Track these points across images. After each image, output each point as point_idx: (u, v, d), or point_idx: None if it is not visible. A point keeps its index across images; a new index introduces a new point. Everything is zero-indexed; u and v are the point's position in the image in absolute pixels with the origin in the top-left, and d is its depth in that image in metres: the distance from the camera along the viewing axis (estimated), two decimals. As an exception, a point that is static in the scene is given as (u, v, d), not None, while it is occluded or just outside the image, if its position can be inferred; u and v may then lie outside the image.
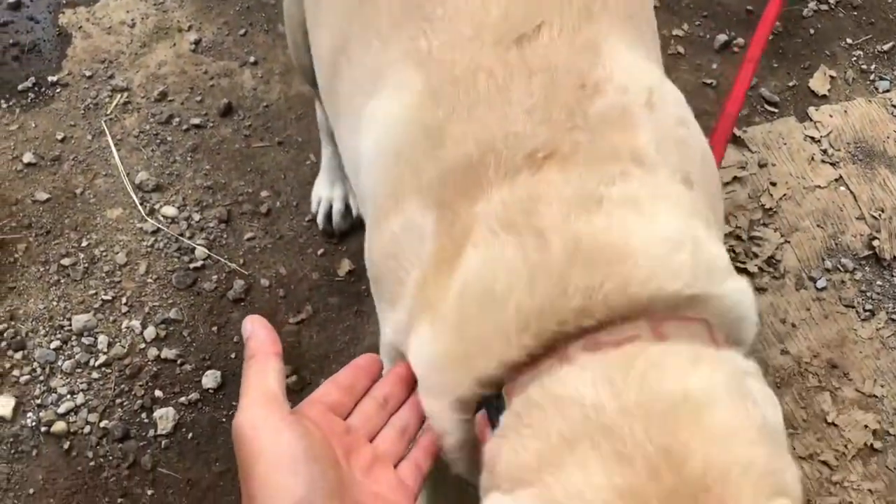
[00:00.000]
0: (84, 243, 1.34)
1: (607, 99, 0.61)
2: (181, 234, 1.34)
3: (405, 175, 0.64)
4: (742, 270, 1.35)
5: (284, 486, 0.50)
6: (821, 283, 1.35)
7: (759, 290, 1.34)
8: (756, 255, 1.38)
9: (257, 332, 0.58)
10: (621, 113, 0.61)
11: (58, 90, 1.49)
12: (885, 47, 1.62)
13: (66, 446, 1.18)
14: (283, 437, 0.51)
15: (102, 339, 1.25)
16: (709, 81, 1.56)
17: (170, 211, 1.37)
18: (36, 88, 1.48)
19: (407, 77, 0.66)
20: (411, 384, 0.64)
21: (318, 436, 0.54)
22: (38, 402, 1.21)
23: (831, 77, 1.57)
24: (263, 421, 0.52)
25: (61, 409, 1.20)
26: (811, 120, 1.52)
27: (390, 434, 0.62)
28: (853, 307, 1.33)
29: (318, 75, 0.89)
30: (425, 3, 0.67)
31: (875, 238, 1.39)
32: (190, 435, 1.20)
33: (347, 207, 1.33)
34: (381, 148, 0.68)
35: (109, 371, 1.24)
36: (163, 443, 1.19)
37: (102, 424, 1.20)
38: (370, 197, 0.70)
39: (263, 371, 0.55)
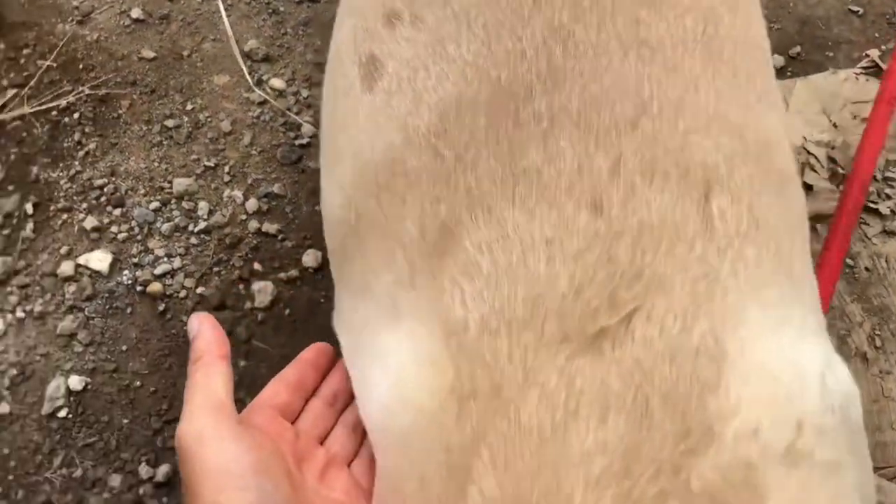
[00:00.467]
0: (189, 107, 1.29)
1: (722, 456, 0.38)
2: (288, 109, 1.29)
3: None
4: (873, 212, 1.27)
5: (233, 500, 0.45)
6: (956, 232, 1.26)
7: (889, 233, 1.26)
8: (889, 197, 1.29)
9: (204, 331, 0.52)
10: (743, 478, 0.38)
11: (168, -52, 1.42)
12: None
13: (160, 308, 1.15)
14: (230, 451, 0.46)
15: (203, 206, 1.21)
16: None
17: (278, 84, 1.31)
18: (146, -56, 1.42)
19: (432, 350, 0.44)
20: None
21: (269, 447, 0.50)
22: (135, 261, 1.18)
23: None
24: (210, 432, 0.47)
25: (158, 271, 1.17)
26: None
27: (341, 434, 0.57)
28: None
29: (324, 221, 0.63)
30: (467, 241, 0.45)
31: None
32: (287, 311, 1.16)
33: None
34: (388, 426, 0.48)
35: (208, 238, 1.20)
36: (259, 316, 1.16)
37: (199, 291, 1.16)
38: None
39: (210, 376, 0.50)
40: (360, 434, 0.58)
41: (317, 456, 0.55)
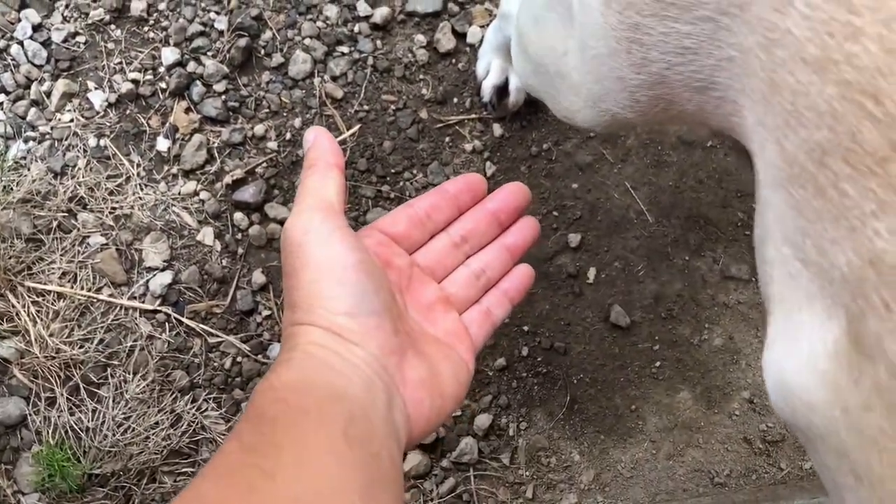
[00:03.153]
0: None
1: None
2: None
3: None
4: None
5: (329, 296, 0.45)
6: None
7: None
8: None
9: (319, 141, 0.50)
10: None
11: None
12: None
13: None
14: (335, 246, 0.46)
15: None
16: None
17: None
18: None
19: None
20: (503, 225, 0.56)
21: (374, 258, 0.48)
22: None
23: None
24: (317, 226, 0.46)
25: None
26: None
27: (462, 276, 0.54)
28: None
29: None
30: None
31: None
32: None
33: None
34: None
35: None
36: None
37: None
38: None
39: (323, 180, 0.48)
40: (485, 284, 0.55)
41: (427, 290, 0.53)
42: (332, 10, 1.12)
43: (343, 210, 0.49)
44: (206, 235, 1.09)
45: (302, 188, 0.49)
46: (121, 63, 1.12)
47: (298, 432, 0.39)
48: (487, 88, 1.08)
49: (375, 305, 0.46)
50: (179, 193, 1.09)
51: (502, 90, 1.07)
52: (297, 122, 1.11)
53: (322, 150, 0.50)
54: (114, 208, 1.09)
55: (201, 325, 1.07)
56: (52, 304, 1.05)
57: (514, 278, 0.57)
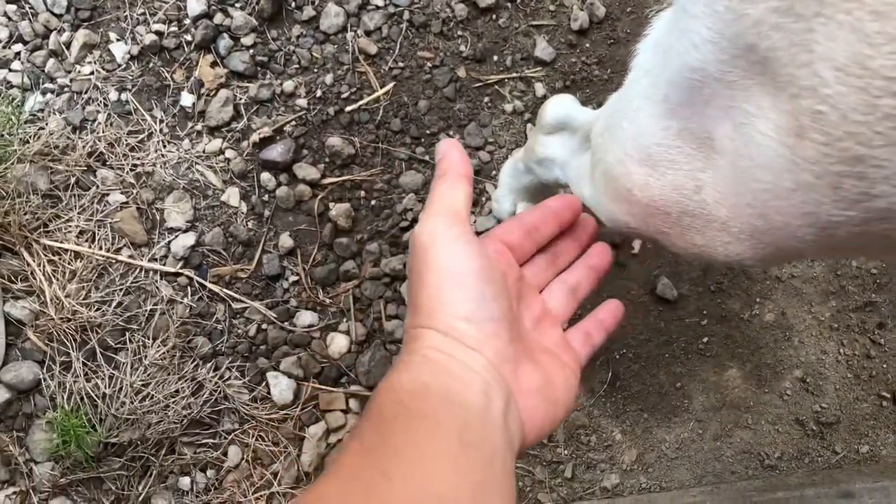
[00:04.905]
0: None
1: None
2: None
3: None
4: None
5: (451, 300, 0.46)
6: None
7: None
8: None
9: (451, 153, 0.53)
10: None
11: None
12: None
13: None
14: (460, 252, 0.47)
15: None
16: None
17: None
18: None
19: None
20: (584, 245, 0.60)
21: (496, 265, 0.50)
22: None
23: None
24: (444, 231, 0.48)
25: None
26: None
27: (560, 291, 0.57)
28: None
29: None
30: None
31: None
32: None
33: None
34: None
35: None
36: None
37: None
38: None
39: (452, 189, 0.51)
40: (579, 299, 0.58)
41: (535, 302, 0.55)
42: (367, -40, 1.07)
43: (469, 218, 0.50)
44: (232, 196, 1.03)
45: (432, 195, 0.51)
46: (144, 14, 1.06)
47: (415, 436, 0.41)
48: None
49: (494, 312, 0.48)
50: (204, 151, 1.04)
51: None
52: (329, 78, 1.06)
53: (453, 161, 0.52)
54: (135, 165, 1.03)
55: (225, 290, 1.01)
56: (69, 263, 0.99)
57: (610, 310, 0.60)
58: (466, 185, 0.51)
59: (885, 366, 1.05)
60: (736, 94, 0.44)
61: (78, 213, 1.01)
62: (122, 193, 1.02)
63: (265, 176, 1.03)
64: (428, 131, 1.05)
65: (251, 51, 1.06)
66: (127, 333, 0.99)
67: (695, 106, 0.48)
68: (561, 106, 0.79)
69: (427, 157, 1.05)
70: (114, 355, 0.99)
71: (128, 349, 0.99)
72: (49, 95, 1.04)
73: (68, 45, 1.05)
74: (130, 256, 1.01)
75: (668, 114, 0.50)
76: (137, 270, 1.01)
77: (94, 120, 1.04)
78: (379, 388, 0.44)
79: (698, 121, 0.48)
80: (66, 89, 1.04)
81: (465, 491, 0.39)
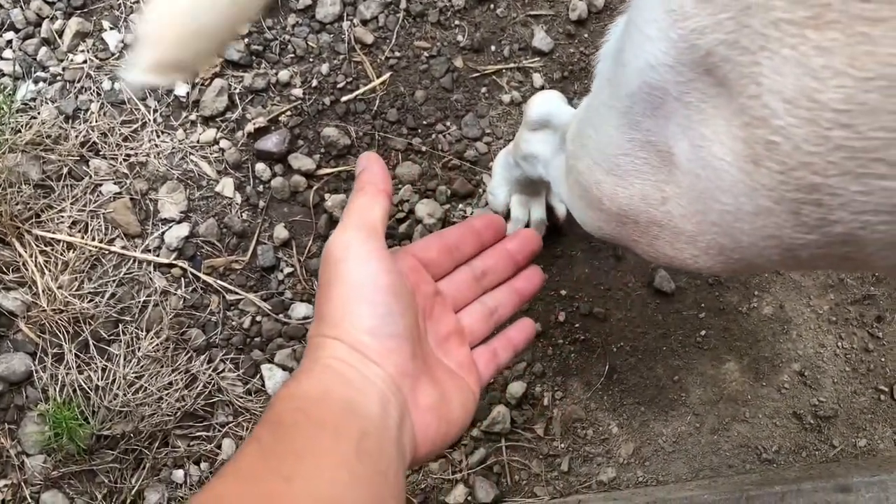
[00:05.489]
0: None
1: None
2: None
3: None
4: None
5: (357, 313, 0.47)
6: None
7: None
8: None
9: (372, 167, 0.53)
10: None
11: None
12: None
13: None
14: (371, 266, 0.48)
15: None
16: None
17: None
18: None
19: None
20: (518, 265, 0.61)
21: (406, 282, 0.51)
22: None
23: None
24: (357, 245, 0.49)
25: None
26: None
27: (477, 312, 0.58)
28: None
29: None
30: None
31: None
32: None
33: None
34: None
35: None
36: None
37: None
38: None
39: (371, 203, 0.51)
40: (496, 321, 0.58)
41: (445, 320, 0.55)
42: (364, -51, 1.06)
43: (384, 233, 0.51)
44: (226, 186, 1.02)
45: (349, 207, 0.51)
46: (138, 2, 1.05)
47: (315, 443, 0.41)
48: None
49: (399, 328, 0.48)
50: (198, 141, 1.03)
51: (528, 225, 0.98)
52: (325, 67, 1.04)
53: (373, 174, 0.53)
54: (128, 155, 1.02)
55: (219, 282, 1.00)
56: (62, 254, 0.98)
57: (520, 329, 0.61)
58: (385, 201, 0.52)
59: (883, 359, 1.05)
60: (692, 115, 0.44)
61: (70, 204, 1.00)
62: (115, 184, 1.01)
63: (260, 166, 1.02)
64: (425, 122, 1.04)
65: (246, 40, 1.05)
66: (120, 325, 0.98)
67: (657, 119, 0.47)
68: (545, 103, 0.79)
69: (424, 148, 1.04)
70: (107, 347, 0.98)
71: (121, 341, 0.98)
72: (41, 84, 1.03)
73: (61, 33, 1.04)
74: (123, 247, 1.00)
75: (632, 125, 0.50)
76: (131, 261, 1.00)
77: (87, 109, 1.02)
78: (278, 394, 0.44)
79: (660, 134, 0.48)
80: (58, 78, 1.03)
81: (363, 499, 0.40)
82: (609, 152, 0.53)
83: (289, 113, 1.04)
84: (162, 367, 0.97)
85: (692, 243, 0.51)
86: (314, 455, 0.40)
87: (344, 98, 1.04)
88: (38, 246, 0.98)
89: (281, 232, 1.01)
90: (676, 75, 0.43)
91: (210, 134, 1.03)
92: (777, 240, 0.43)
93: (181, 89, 1.03)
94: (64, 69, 1.03)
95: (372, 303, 0.47)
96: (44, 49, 1.04)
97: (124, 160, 1.02)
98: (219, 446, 0.98)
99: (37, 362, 0.97)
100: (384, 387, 0.46)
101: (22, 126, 1.00)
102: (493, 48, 1.06)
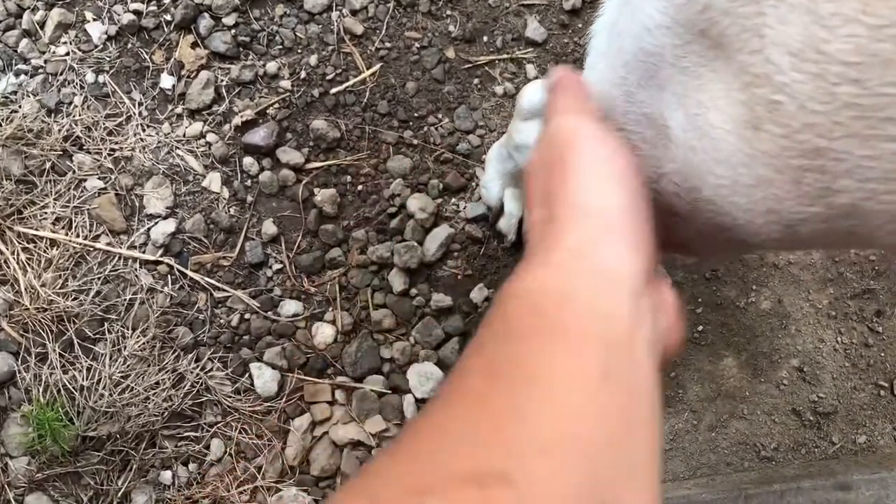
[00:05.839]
0: None
1: None
2: None
3: None
4: None
5: (607, 187, 0.40)
6: None
7: None
8: None
9: (567, 77, 0.48)
10: None
11: None
12: None
13: None
14: (609, 144, 0.42)
15: None
16: None
17: None
18: None
19: None
20: None
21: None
22: None
23: None
24: (587, 126, 0.43)
25: None
26: None
27: None
28: None
29: None
30: None
31: None
32: None
33: None
34: None
35: None
36: None
37: None
38: None
39: (583, 103, 0.46)
40: None
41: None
42: (352, -63, 1.03)
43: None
44: (213, 181, 1.00)
45: (560, 102, 0.46)
46: (121, -8, 1.03)
47: (554, 359, 0.33)
48: (510, 226, 0.96)
49: (645, 211, 0.41)
50: (184, 135, 1.00)
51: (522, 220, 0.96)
52: (313, 59, 1.02)
53: (573, 82, 0.48)
54: (113, 150, 1.00)
55: (206, 279, 0.98)
56: (45, 251, 0.96)
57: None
58: (594, 104, 0.47)
59: (882, 354, 1.03)
60: (689, 81, 0.41)
61: (54, 200, 0.98)
62: (99, 179, 0.99)
63: (248, 160, 1.00)
64: (416, 114, 1.02)
65: (233, 31, 1.02)
66: (105, 323, 0.96)
67: (651, 90, 0.45)
68: (538, 92, 0.77)
69: (415, 141, 1.02)
70: (92, 346, 0.96)
71: (106, 340, 0.96)
72: (23, 77, 1.00)
73: (42, 24, 1.02)
74: (109, 244, 0.98)
75: (627, 97, 0.47)
76: (116, 258, 0.98)
77: (70, 103, 1.00)
78: (508, 289, 0.36)
79: (655, 105, 0.45)
80: (40, 71, 1.01)
81: (608, 437, 0.32)
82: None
83: (277, 105, 1.01)
84: (148, 366, 0.95)
85: (685, 224, 0.47)
86: (552, 379, 0.32)
87: (333, 90, 1.02)
88: (20, 243, 0.96)
89: (269, 227, 0.99)
90: (673, 37, 0.41)
91: (196, 127, 1.00)
92: (776, 215, 0.40)
93: (167, 82, 1.01)
94: (46, 61, 1.01)
95: (620, 179, 0.40)
96: (25, 41, 1.01)
97: (109, 155, 0.99)
98: (207, 447, 0.96)
99: (20, 362, 0.95)
100: (637, 283, 0.37)
101: (3, 120, 0.98)
102: (485, 38, 1.04)
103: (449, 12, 1.04)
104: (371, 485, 0.28)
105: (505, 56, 1.04)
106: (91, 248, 0.97)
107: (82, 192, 0.98)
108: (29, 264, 0.95)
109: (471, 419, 0.31)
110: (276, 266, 0.99)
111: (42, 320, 0.94)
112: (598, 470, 0.30)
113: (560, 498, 0.28)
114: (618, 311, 0.36)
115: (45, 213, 0.97)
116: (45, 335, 0.95)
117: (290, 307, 0.98)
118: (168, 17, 1.02)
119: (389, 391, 0.97)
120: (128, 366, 0.95)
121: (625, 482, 0.31)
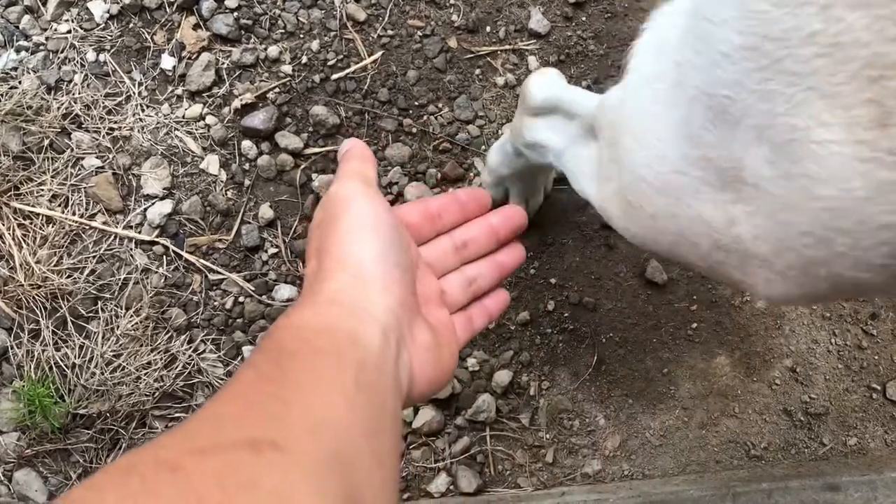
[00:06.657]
0: None
1: None
2: None
3: None
4: None
5: (363, 240, 0.48)
6: None
7: None
8: None
9: (355, 147, 0.55)
10: None
11: None
12: None
13: None
14: (377, 205, 0.50)
15: None
16: None
17: None
18: None
19: None
20: (501, 240, 0.60)
21: (404, 228, 0.53)
22: None
23: None
24: (361, 190, 0.50)
25: None
26: None
27: (456, 279, 0.58)
28: None
29: None
30: None
31: None
32: None
33: None
34: None
35: None
36: None
37: None
38: None
39: (362, 166, 0.53)
40: (474, 293, 0.59)
41: (426, 280, 0.55)
42: (358, -77, 1.03)
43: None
44: (211, 163, 1.00)
45: (343, 169, 0.53)
46: (125, -29, 1.02)
47: (315, 371, 0.40)
48: None
49: (403, 259, 0.49)
50: (183, 116, 1.00)
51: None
52: (315, 44, 1.02)
53: (359, 148, 0.55)
54: (111, 129, 0.99)
55: (202, 261, 0.98)
56: (41, 228, 0.96)
57: (497, 299, 0.61)
58: (374, 164, 0.54)
59: (876, 357, 1.03)
60: (776, 108, 0.39)
61: (51, 177, 0.98)
62: (97, 158, 0.99)
63: (246, 144, 1.00)
64: (416, 102, 1.02)
65: (235, 13, 1.02)
66: (99, 302, 0.96)
67: (722, 128, 0.42)
68: (549, 86, 0.72)
69: (415, 129, 1.01)
70: (85, 324, 0.96)
71: (99, 318, 0.96)
72: (23, 53, 1.00)
73: (45, 1, 1.01)
74: (104, 223, 0.98)
75: (689, 139, 0.44)
76: (111, 238, 0.98)
77: (70, 81, 1.00)
78: (278, 324, 0.44)
79: (724, 147, 0.42)
80: (41, 48, 1.01)
81: (359, 429, 0.39)
82: (658, 169, 0.48)
83: (277, 90, 1.01)
84: (141, 346, 0.95)
85: (766, 266, 0.45)
86: (313, 383, 0.39)
87: (334, 76, 1.01)
88: (16, 219, 0.96)
89: (266, 211, 0.99)
90: (759, 58, 0.38)
91: (196, 109, 1.00)
92: (892, 231, 0.37)
93: (167, 63, 1.01)
94: (47, 39, 1.01)
95: (377, 232, 0.48)
96: (27, 17, 1.01)
97: (107, 134, 0.99)
98: (197, 428, 0.96)
99: (13, 338, 0.95)
100: (385, 318, 0.46)
101: (2, 96, 0.97)
102: (488, 29, 1.04)
103: (452, 1, 1.04)
104: (160, 445, 0.33)
105: (507, 47, 1.04)
106: (87, 227, 0.97)
107: (80, 170, 0.98)
108: (24, 241, 0.95)
109: (244, 408, 0.37)
110: (272, 250, 0.99)
111: (36, 297, 0.94)
112: (347, 448, 0.37)
113: (316, 461, 0.34)
114: (369, 341, 0.43)
115: (42, 190, 0.97)
116: (38, 312, 0.95)
117: (284, 291, 0.98)
118: (171, -2, 1.02)
119: (381, 378, 0.97)
120: (120, 345, 0.95)
121: (374, 462, 0.39)
